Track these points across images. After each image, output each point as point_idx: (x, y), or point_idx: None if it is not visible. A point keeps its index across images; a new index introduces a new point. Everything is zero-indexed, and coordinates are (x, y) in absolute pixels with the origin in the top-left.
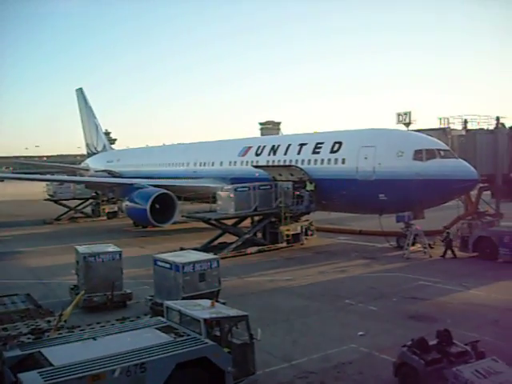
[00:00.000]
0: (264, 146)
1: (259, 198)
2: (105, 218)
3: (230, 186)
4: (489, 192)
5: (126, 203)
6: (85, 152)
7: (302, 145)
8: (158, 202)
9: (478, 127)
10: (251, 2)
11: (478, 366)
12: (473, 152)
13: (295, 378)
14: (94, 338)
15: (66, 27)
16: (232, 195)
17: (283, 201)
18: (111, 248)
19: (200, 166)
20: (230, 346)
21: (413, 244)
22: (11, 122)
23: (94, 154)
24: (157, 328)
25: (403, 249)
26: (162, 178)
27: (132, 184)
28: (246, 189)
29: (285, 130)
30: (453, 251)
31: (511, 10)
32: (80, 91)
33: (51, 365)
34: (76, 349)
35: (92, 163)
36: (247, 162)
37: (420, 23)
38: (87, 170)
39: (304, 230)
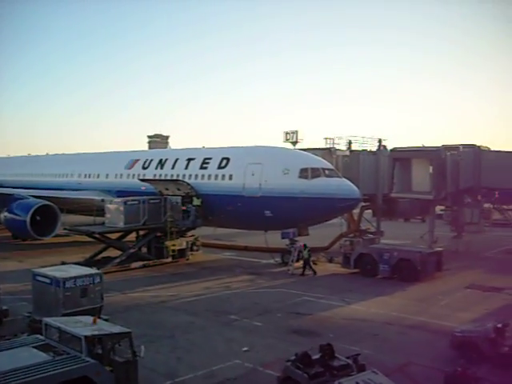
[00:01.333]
0: (151, 160)
1: (148, 212)
2: None
3: (119, 199)
4: (370, 211)
5: (5, 214)
6: None
7: (189, 159)
8: (40, 214)
9: (361, 148)
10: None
11: (358, 378)
12: (356, 172)
13: None
14: None
15: None
16: (121, 208)
17: (172, 215)
18: None
19: (85, 177)
20: (112, 364)
21: (297, 260)
22: None
23: None
24: (34, 346)
25: (288, 265)
26: (44, 188)
27: (12, 194)
28: (136, 202)
29: (173, 144)
30: (311, 268)
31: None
32: None
33: None
34: None
35: None
36: (134, 175)
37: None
38: None
39: (190, 246)
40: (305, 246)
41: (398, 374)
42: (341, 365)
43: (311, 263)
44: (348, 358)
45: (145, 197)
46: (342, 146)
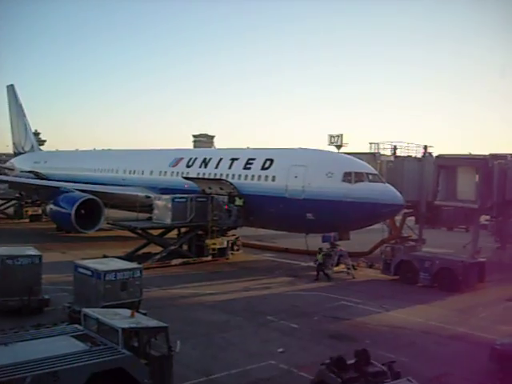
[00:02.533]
0: (195, 158)
1: (195, 210)
2: (27, 220)
3: (167, 196)
4: (413, 218)
5: (51, 207)
6: (12, 151)
7: (233, 159)
8: (84, 208)
9: (406, 154)
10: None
11: None
12: (400, 178)
13: None
14: (6, 344)
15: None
16: (169, 205)
17: (218, 214)
18: (31, 251)
19: (130, 173)
20: (147, 358)
21: (337, 264)
22: None
23: (21, 153)
24: (73, 336)
25: (327, 269)
26: (90, 183)
27: (58, 187)
28: (184, 199)
29: (218, 144)
30: (325, 273)
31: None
32: (11, 88)
33: None
34: None
35: (18, 163)
36: (178, 172)
37: (360, 45)
38: (12, 169)
39: (230, 245)
40: (320, 249)
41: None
42: (375, 371)
43: (329, 268)
44: (383, 364)
45: (192, 195)
46: (387, 152)
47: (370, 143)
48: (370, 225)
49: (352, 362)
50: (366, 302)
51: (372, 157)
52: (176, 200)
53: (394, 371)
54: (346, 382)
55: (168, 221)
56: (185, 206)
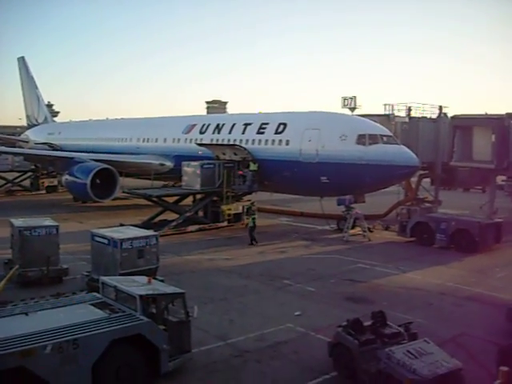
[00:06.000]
0: (209, 125)
1: (226, 175)
2: (44, 191)
3: (196, 163)
4: (428, 179)
5: (66, 177)
6: (25, 124)
7: (246, 124)
8: (99, 177)
9: (421, 115)
10: None
11: (410, 346)
12: (415, 139)
13: (231, 356)
14: (26, 314)
15: None
16: (198, 171)
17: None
18: (48, 222)
19: (143, 142)
20: (165, 324)
21: (353, 227)
22: None
23: (35, 125)
24: (91, 304)
25: (343, 231)
26: (104, 152)
27: (73, 158)
28: (212, 166)
29: (231, 109)
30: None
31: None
32: (22, 60)
33: None
34: (7, 324)
35: (32, 135)
36: (191, 139)
37: (374, 13)
38: (27, 141)
39: (246, 210)
40: (250, 206)
41: (450, 344)
42: (392, 333)
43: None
44: (400, 326)
45: (220, 161)
46: (402, 113)
47: (384, 105)
48: (385, 187)
49: (369, 323)
50: (383, 264)
51: (386, 118)
52: (205, 166)
53: (411, 332)
54: (362, 343)
55: (197, 187)
56: (213, 172)
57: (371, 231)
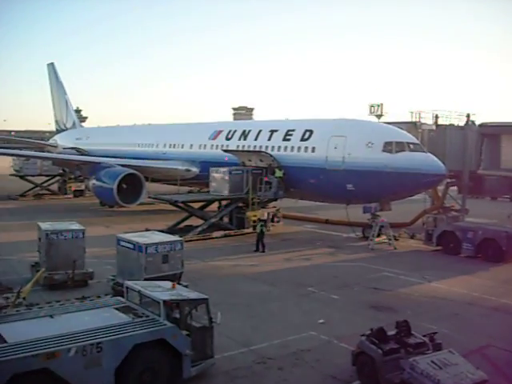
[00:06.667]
0: (235, 131)
1: (253, 182)
2: (71, 196)
3: (225, 168)
4: (456, 188)
5: (93, 182)
6: (54, 129)
7: (273, 131)
8: (126, 182)
9: (448, 123)
10: None
11: (434, 357)
12: (442, 147)
13: (253, 363)
14: (51, 316)
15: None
16: (227, 177)
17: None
18: (74, 226)
19: (170, 147)
20: (189, 329)
21: (378, 235)
22: None
23: (63, 130)
24: (116, 308)
25: (368, 239)
26: (130, 157)
27: (99, 163)
28: (240, 172)
29: (258, 116)
30: (262, 244)
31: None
32: (51, 66)
33: (5, 341)
34: (32, 326)
35: (60, 140)
36: (217, 145)
37: (403, 17)
38: (55, 146)
39: (271, 217)
40: (259, 220)
41: (476, 355)
42: (416, 342)
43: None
44: (424, 336)
45: (248, 167)
46: (428, 121)
47: (411, 112)
48: (412, 195)
49: (393, 333)
50: (408, 272)
51: (413, 126)
52: (233, 172)
53: (436, 343)
54: (386, 353)
55: (225, 193)
56: (241, 178)
57: (397, 239)
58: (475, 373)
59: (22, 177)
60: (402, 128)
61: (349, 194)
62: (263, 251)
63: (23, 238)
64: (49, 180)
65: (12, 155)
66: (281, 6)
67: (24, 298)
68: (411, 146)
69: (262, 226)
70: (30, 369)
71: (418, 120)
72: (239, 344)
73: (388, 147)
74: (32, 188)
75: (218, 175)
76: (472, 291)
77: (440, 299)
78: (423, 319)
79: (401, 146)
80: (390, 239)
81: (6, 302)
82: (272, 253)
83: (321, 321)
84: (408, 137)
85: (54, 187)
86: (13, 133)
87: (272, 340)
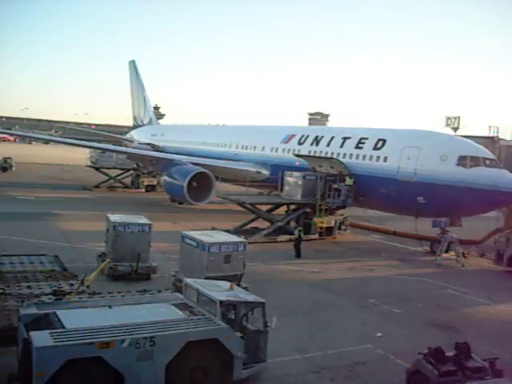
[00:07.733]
0: (307, 136)
1: (323, 188)
2: (143, 190)
3: (298, 173)
4: None
5: (165, 178)
6: (131, 124)
7: (345, 138)
8: (196, 181)
9: None
10: None
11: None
12: None
13: (306, 371)
14: (110, 306)
15: None
16: (300, 182)
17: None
18: (142, 220)
19: (242, 149)
20: (243, 331)
21: (446, 251)
22: (62, 87)
23: (140, 126)
24: (173, 304)
25: (436, 255)
26: (202, 156)
27: (172, 160)
28: (314, 177)
29: (333, 122)
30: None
31: None
32: (133, 63)
33: (63, 327)
34: (90, 314)
35: (137, 135)
36: (289, 149)
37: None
38: (131, 141)
39: (338, 224)
40: (297, 225)
41: None
42: (476, 366)
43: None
44: (485, 360)
45: (322, 173)
46: (507, 136)
47: (490, 126)
48: (485, 212)
49: (451, 354)
50: (474, 292)
51: (490, 141)
52: (307, 177)
53: (496, 369)
54: (442, 374)
55: (298, 197)
56: (314, 183)
57: (465, 257)
58: None
59: (97, 169)
60: (478, 142)
61: (419, 207)
62: (299, 256)
63: (94, 227)
64: (123, 173)
65: (90, 147)
66: (366, 11)
67: (88, 287)
68: (487, 161)
69: (300, 231)
70: (83, 356)
71: (495, 135)
72: (293, 350)
73: (463, 161)
74: (106, 180)
75: (291, 179)
76: None
77: (506, 323)
78: (485, 342)
79: (476, 161)
80: (458, 256)
81: (70, 288)
82: (336, 261)
83: (379, 334)
84: (484, 152)
85: (128, 181)
86: (93, 126)
87: (327, 349)
